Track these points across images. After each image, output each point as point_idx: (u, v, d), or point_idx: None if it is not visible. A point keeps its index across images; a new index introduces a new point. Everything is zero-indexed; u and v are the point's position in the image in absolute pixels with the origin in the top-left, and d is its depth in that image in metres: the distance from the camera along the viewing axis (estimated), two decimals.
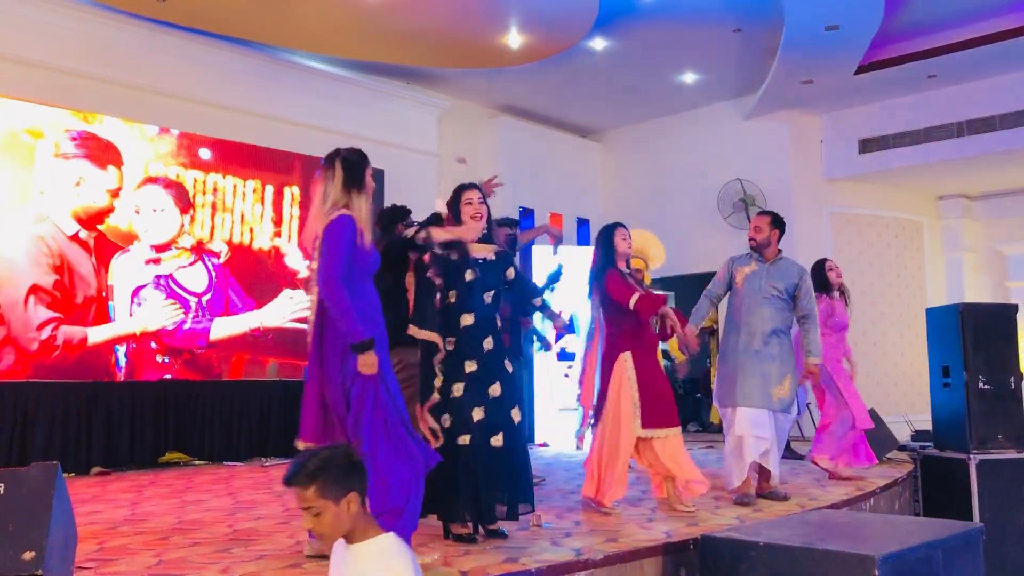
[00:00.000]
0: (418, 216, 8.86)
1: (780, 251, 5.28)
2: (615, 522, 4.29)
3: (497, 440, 3.82)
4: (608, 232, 4.82)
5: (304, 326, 3.80)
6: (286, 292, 8.18)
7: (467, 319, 3.93)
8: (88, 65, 7.57)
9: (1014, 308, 6.84)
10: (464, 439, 3.78)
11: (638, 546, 3.67)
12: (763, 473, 5.10)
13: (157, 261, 7.41)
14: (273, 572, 3.25)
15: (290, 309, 8.13)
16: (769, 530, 3.62)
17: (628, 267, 4.81)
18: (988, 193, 11.79)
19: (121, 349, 7.12)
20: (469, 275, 3.94)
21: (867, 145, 10.71)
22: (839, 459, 5.99)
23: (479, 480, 3.78)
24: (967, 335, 6.53)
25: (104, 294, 7.09)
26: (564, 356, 9.54)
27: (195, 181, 7.84)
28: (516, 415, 3.94)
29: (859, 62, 9.27)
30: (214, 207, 7.95)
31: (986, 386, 6.53)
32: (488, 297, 4.01)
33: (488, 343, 3.96)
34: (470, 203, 4.09)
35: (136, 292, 7.29)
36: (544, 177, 11.73)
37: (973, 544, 3.74)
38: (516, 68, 9.89)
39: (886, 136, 10.55)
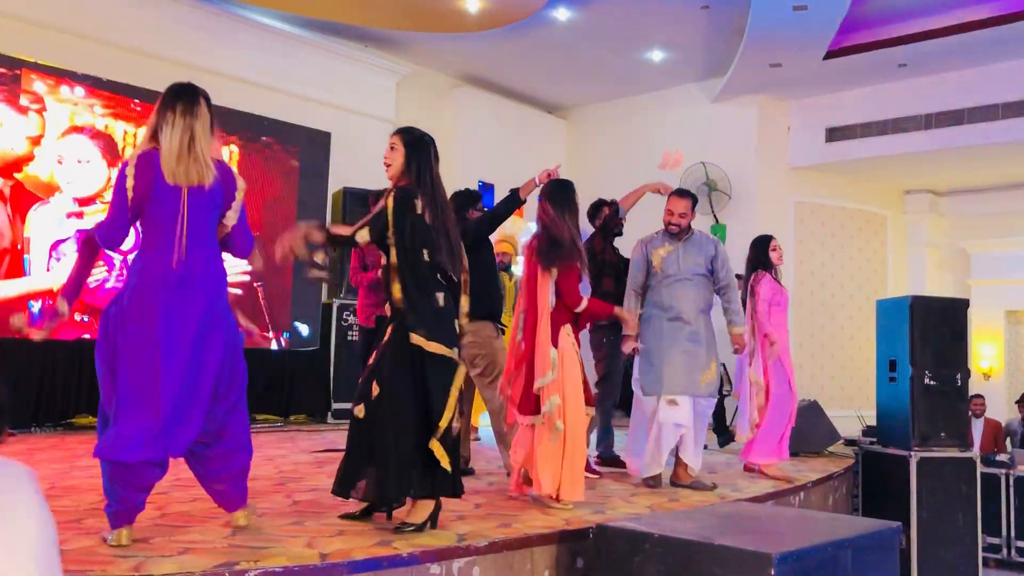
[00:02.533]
0: (368, 182, 8.72)
1: (690, 227, 5.04)
2: (518, 507, 4.02)
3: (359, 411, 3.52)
4: None
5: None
6: None
7: None
8: (19, 7, 7.16)
9: (965, 303, 6.64)
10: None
11: (530, 533, 3.41)
12: (681, 462, 4.86)
13: (80, 215, 7.04)
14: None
15: None
16: (671, 522, 3.37)
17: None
18: (956, 189, 11.62)
19: (36, 305, 6.76)
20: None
21: (834, 134, 10.49)
22: (779, 456, 5.74)
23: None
24: (915, 328, 6.33)
25: (20, 247, 6.73)
26: None
27: (125, 133, 7.46)
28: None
29: (828, 45, 9.02)
30: None
31: (932, 382, 6.33)
32: None
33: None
34: None
35: (55, 246, 6.92)
36: (506, 151, 11.42)
37: (888, 544, 3.51)
38: (480, 37, 9.58)
39: (854, 125, 10.33)
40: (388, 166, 3.68)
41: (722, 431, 7.31)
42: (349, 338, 8.45)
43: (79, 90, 7.24)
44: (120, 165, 3.14)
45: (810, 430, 6.71)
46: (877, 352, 6.79)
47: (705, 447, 5.27)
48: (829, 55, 9.28)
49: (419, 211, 3.59)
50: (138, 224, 3.10)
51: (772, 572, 2.84)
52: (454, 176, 10.81)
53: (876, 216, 11.44)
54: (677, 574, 3.07)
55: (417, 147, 3.67)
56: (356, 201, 8.83)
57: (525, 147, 11.67)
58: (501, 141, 11.37)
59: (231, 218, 3.22)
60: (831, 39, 8.82)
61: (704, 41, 9.75)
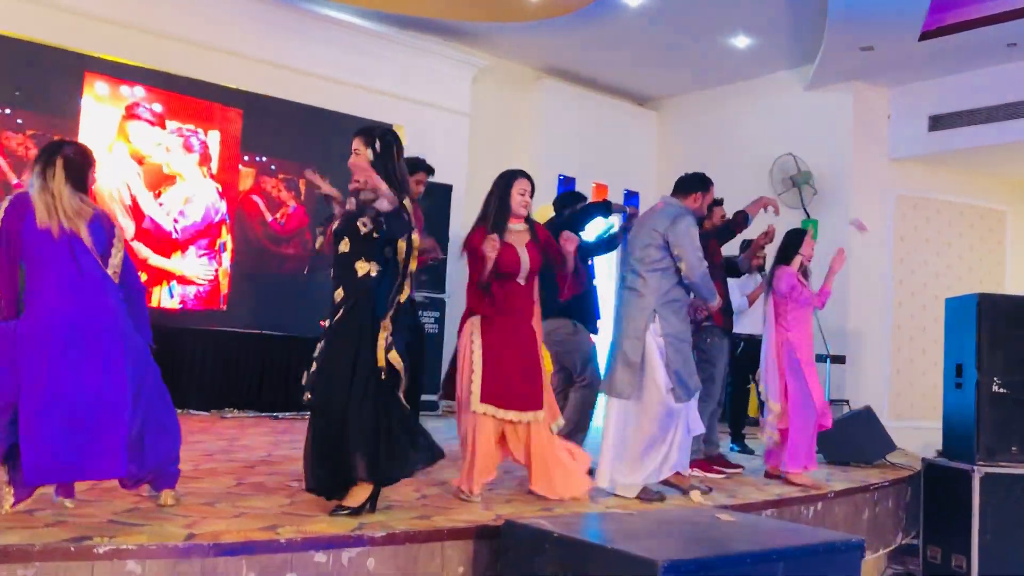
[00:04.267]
0: (443, 175, 8.73)
1: None
2: (457, 503, 3.82)
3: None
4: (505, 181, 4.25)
5: None
6: None
7: None
8: (91, 5, 7.53)
9: None
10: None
11: (441, 527, 3.24)
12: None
13: None
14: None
15: None
16: (588, 523, 3.13)
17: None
18: None
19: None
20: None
21: (938, 122, 9.65)
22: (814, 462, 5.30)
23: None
24: (983, 329, 5.70)
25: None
26: None
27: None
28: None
29: (922, 24, 8.29)
30: None
31: (1002, 389, 5.69)
32: None
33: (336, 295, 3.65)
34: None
35: None
36: (591, 145, 11.17)
37: (843, 560, 3.13)
38: (560, 27, 9.41)
39: (959, 112, 9.45)
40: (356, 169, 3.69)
41: (739, 438, 6.87)
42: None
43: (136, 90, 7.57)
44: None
45: (862, 439, 6.18)
46: (945, 356, 6.18)
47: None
48: (925, 35, 8.53)
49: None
50: None
51: None
52: (534, 170, 10.56)
53: (992, 212, 10.46)
54: (572, 574, 2.84)
55: (385, 149, 3.65)
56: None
57: (613, 140, 11.39)
58: (585, 134, 11.12)
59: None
60: (924, 17, 8.11)
61: (790, 24, 9.20)
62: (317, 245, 3.79)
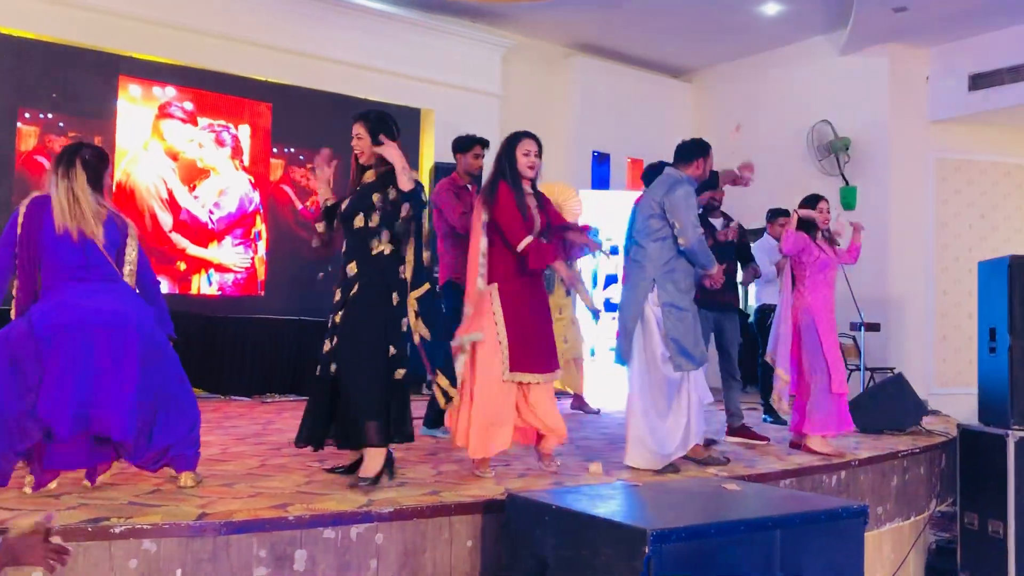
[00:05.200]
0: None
1: None
2: (469, 479, 3.90)
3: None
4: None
5: None
6: None
7: None
8: (119, 4, 7.72)
9: None
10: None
11: (448, 502, 3.33)
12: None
13: None
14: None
15: None
16: (588, 495, 3.18)
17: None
18: None
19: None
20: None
21: (979, 80, 9.39)
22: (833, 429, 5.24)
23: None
24: (1016, 292, 5.60)
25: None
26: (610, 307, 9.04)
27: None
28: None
29: None
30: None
31: None
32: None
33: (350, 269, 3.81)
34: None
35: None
36: (624, 119, 11.10)
37: (844, 527, 3.13)
38: (589, 4, 9.38)
39: (1001, 70, 9.19)
40: (361, 154, 3.89)
41: (771, 408, 6.83)
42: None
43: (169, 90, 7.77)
44: None
45: (894, 406, 6.11)
46: (979, 320, 6.06)
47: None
48: None
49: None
50: None
51: (646, 549, 2.62)
52: (568, 147, 10.69)
53: None
54: (570, 546, 2.90)
55: (388, 132, 3.83)
56: (445, 175, 8.88)
57: (647, 114, 11.29)
58: (619, 109, 11.06)
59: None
60: None
61: None
62: (314, 243, 3.94)
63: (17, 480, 3.30)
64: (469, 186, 5.37)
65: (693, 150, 4.56)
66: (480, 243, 4.08)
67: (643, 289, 4.31)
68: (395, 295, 3.74)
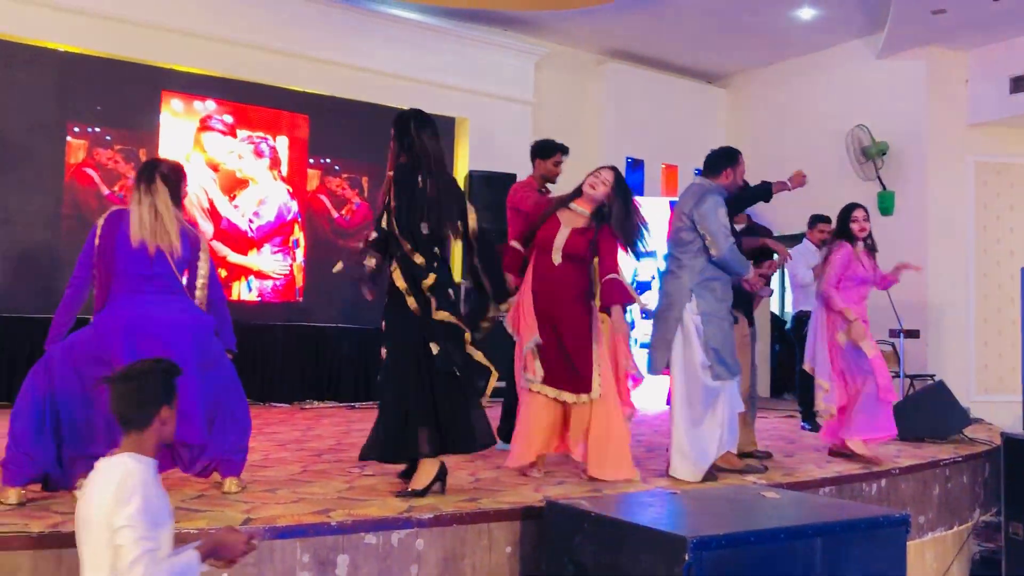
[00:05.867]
0: (508, 165, 8.86)
1: None
2: (507, 486, 3.93)
3: None
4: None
5: None
6: None
7: None
8: (158, 15, 7.87)
9: None
10: None
11: (487, 508, 3.35)
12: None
13: None
14: None
15: None
16: (627, 502, 3.20)
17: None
18: None
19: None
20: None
21: (1020, 83, 9.25)
22: (876, 434, 5.19)
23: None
24: None
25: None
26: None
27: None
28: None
29: None
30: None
31: None
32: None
33: None
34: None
35: None
36: (658, 126, 11.09)
37: (887, 535, 3.11)
38: (622, 11, 9.39)
39: None
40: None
41: (809, 416, 6.78)
42: None
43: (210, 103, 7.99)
44: None
45: (935, 414, 6.04)
46: (1022, 325, 6.00)
47: None
48: None
49: (420, 185, 3.71)
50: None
51: (686, 556, 2.63)
52: (602, 154, 10.65)
53: None
54: (609, 553, 2.92)
55: (402, 128, 3.81)
56: (482, 183, 8.97)
57: (681, 120, 11.28)
58: (653, 115, 11.05)
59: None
60: None
61: None
62: (373, 264, 3.78)
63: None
64: (542, 190, 5.26)
65: (721, 160, 4.56)
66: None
67: (681, 299, 4.32)
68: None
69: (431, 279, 3.63)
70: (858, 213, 5.21)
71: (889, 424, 5.14)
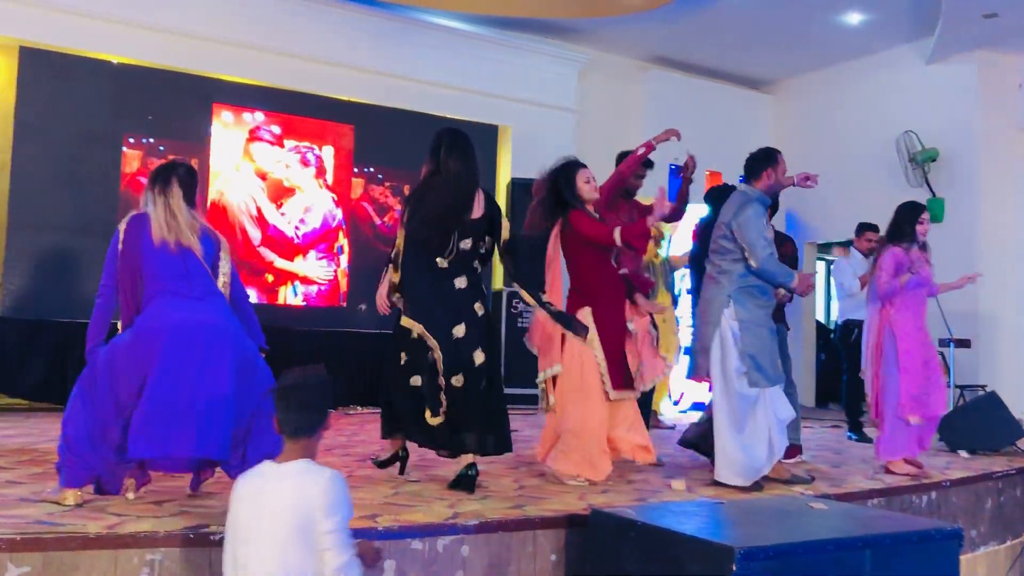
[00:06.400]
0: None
1: None
2: (555, 490, 3.95)
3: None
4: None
5: None
6: None
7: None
8: (209, 27, 8.05)
9: None
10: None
11: (532, 515, 3.36)
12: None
13: None
14: None
15: None
16: (673, 512, 3.19)
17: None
18: None
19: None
20: None
21: None
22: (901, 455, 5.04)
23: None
24: None
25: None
26: None
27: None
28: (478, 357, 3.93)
29: None
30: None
31: None
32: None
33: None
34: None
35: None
36: (702, 132, 10.95)
37: (938, 549, 3.06)
38: (665, 17, 9.38)
39: None
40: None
41: (856, 426, 6.68)
42: (519, 325, 8.62)
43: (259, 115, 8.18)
44: None
45: (987, 425, 5.92)
46: None
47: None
48: None
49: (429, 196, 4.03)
50: None
51: (733, 567, 2.61)
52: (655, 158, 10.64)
53: None
54: (656, 562, 2.91)
55: (433, 145, 4.11)
56: (524, 192, 8.96)
57: (726, 126, 11.17)
58: (697, 122, 10.89)
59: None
60: None
61: None
62: (396, 280, 4.05)
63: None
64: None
65: (759, 162, 4.54)
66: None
67: (720, 305, 4.33)
68: None
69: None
70: (926, 215, 5.12)
71: (911, 443, 4.97)
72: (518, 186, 9.09)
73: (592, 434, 4.15)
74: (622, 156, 5.41)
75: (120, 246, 3.48)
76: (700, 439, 4.91)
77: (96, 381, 3.33)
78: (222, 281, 3.59)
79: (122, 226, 3.51)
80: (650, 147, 5.03)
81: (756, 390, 4.20)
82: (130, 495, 3.44)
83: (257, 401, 3.50)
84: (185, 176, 3.62)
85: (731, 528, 3.00)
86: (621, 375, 4.23)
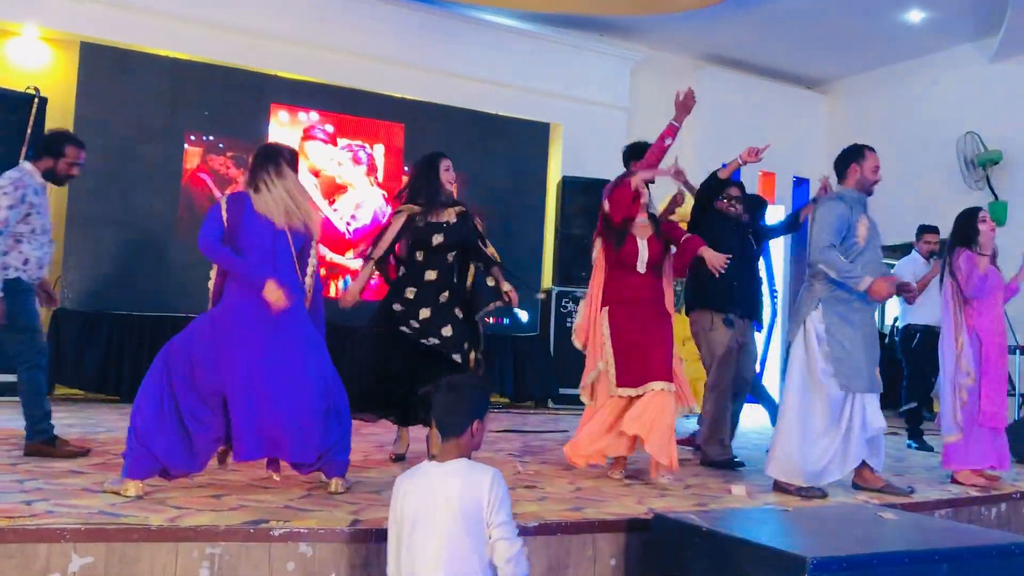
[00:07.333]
0: (602, 171, 8.81)
1: None
2: (613, 492, 3.88)
3: None
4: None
5: None
6: None
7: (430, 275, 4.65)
8: (262, 23, 8.12)
9: None
10: None
11: (592, 518, 3.30)
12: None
13: None
14: None
15: None
16: (739, 518, 3.10)
17: None
18: None
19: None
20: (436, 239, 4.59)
21: None
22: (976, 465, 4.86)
23: None
24: None
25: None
26: None
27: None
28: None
29: None
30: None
31: None
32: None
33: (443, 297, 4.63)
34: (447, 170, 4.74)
35: None
36: (756, 132, 10.79)
37: (1017, 565, 2.94)
38: (719, 15, 9.26)
39: None
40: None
41: (916, 434, 6.49)
42: (568, 324, 8.55)
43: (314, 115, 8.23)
44: None
45: None
46: None
47: None
48: None
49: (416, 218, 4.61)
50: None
51: None
52: (697, 161, 10.50)
53: None
54: (722, 570, 2.83)
55: (418, 164, 4.82)
56: (574, 189, 8.92)
57: (780, 126, 10.99)
58: (750, 121, 10.82)
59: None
60: None
61: None
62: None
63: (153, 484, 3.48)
64: None
65: (843, 159, 4.46)
66: None
67: (808, 305, 4.25)
68: None
69: None
70: (985, 212, 4.97)
71: (990, 455, 4.78)
72: (569, 184, 9.04)
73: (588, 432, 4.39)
74: (637, 148, 5.25)
75: (224, 223, 3.46)
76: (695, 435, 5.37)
77: (172, 368, 3.36)
78: (310, 271, 3.64)
79: (223, 202, 3.50)
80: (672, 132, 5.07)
81: (843, 393, 4.12)
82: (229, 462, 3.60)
83: (331, 389, 3.53)
84: (292, 159, 3.63)
85: (801, 537, 2.91)
86: (629, 374, 4.25)
